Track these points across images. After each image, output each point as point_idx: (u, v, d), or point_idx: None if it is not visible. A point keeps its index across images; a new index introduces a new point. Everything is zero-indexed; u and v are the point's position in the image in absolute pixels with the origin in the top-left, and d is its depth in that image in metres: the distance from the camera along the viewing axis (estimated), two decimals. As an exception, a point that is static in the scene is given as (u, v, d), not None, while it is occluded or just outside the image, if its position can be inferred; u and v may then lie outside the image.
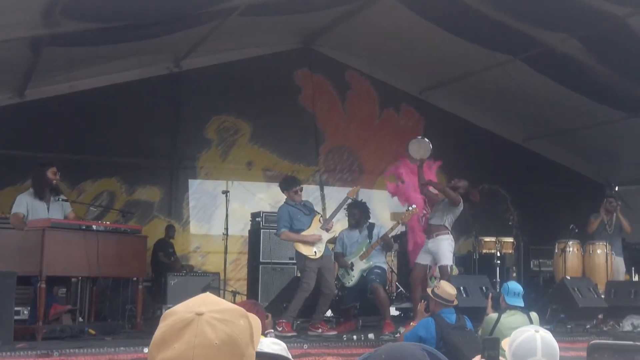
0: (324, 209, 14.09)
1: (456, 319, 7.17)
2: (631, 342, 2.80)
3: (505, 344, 3.09)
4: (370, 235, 9.74)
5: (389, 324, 9.19)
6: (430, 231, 9.63)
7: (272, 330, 5.96)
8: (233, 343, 1.63)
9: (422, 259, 9.62)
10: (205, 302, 1.70)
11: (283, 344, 3.33)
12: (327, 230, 9.15)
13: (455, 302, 7.42)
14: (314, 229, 9.10)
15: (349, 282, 9.62)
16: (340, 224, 10.16)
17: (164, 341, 1.64)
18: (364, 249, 9.62)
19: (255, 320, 1.78)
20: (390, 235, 9.79)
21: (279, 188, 9.66)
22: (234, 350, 1.63)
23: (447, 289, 7.33)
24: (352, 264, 9.62)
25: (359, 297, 9.82)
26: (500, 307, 7.72)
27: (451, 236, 9.61)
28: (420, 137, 10.25)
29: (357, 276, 9.58)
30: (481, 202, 11.00)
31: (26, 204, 8.44)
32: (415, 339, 6.96)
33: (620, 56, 11.20)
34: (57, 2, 8.46)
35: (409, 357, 2.47)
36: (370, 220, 10.04)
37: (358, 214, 9.86)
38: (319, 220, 9.22)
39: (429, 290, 7.54)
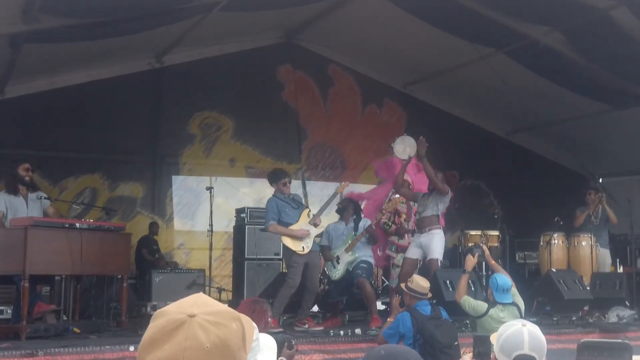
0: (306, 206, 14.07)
1: (431, 311, 7.23)
2: (619, 340, 2.83)
3: (493, 338, 3.09)
4: (356, 229, 9.73)
5: (376, 318, 9.18)
6: (423, 225, 9.48)
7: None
8: (224, 347, 1.59)
9: (412, 253, 9.57)
10: (198, 303, 1.66)
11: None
12: (316, 225, 9.11)
13: (429, 295, 7.46)
14: (302, 223, 9.05)
15: (334, 276, 9.64)
16: (328, 218, 10.13)
17: (154, 342, 1.59)
18: (349, 242, 9.61)
19: (248, 323, 1.74)
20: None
21: (263, 183, 9.65)
22: (225, 354, 1.59)
23: (421, 282, 7.38)
24: (337, 257, 9.61)
25: (346, 291, 9.82)
26: (488, 300, 7.73)
27: (442, 231, 9.58)
28: (401, 136, 10.09)
29: (342, 269, 9.59)
30: (464, 197, 11.02)
31: (4, 202, 8.38)
32: (395, 334, 7.00)
33: (603, 49, 11.22)
34: (37, -2, 8.39)
35: (405, 353, 2.47)
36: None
37: (347, 203, 9.85)
38: (307, 215, 9.18)
39: (402, 285, 7.58)
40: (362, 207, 10.69)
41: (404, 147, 9.76)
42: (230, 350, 1.60)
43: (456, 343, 6.99)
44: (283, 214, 9.05)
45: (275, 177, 9.33)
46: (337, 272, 9.61)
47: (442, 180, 9.51)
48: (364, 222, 9.85)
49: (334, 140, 14.72)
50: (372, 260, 9.94)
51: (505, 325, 3.04)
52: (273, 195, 9.29)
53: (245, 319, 1.73)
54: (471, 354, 2.96)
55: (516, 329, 2.97)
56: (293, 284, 8.92)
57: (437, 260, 9.33)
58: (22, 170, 8.58)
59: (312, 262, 9.10)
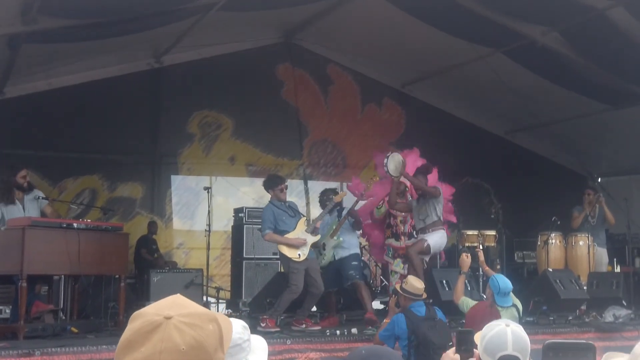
0: (307, 203, 14.09)
1: (426, 311, 7.24)
2: (583, 341, 2.88)
3: (477, 337, 3.11)
4: (339, 216, 9.78)
5: (370, 314, 9.28)
6: (425, 229, 9.57)
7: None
8: (200, 348, 1.61)
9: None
10: (175, 305, 1.68)
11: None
12: (315, 230, 9.11)
13: (424, 296, 7.47)
14: (299, 231, 9.03)
15: (322, 262, 9.67)
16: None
17: (130, 344, 1.62)
18: (333, 227, 9.65)
19: (226, 324, 1.76)
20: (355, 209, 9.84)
21: (263, 187, 9.64)
22: (201, 356, 1.61)
23: (415, 283, 7.41)
24: (323, 245, 9.63)
25: (335, 282, 9.81)
26: (487, 299, 7.73)
27: (444, 231, 9.65)
28: (390, 154, 9.96)
29: (329, 255, 9.66)
30: (464, 195, 11.02)
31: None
32: (391, 336, 7.02)
33: (601, 48, 11.24)
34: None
35: (386, 354, 2.50)
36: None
37: (326, 199, 9.91)
38: (304, 223, 9.18)
39: (397, 287, 7.61)
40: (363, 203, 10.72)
41: (395, 165, 9.71)
42: (206, 351, 1.62)
43: (450, 344, 7.00)
44: (280, 222, 9.02)
45: (272, 183, 9.28)
46: (324, 259, 9.66)
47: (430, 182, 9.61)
48: (347, 210, 9.90)
49: (335, 136, 14.73)
50: (358, 251, 10.03)
51: (489, 325, 3.06)
52: (269, 202, 9.26)
53: (223, 320, 1.75)
54: (454, 348, 2.98)
55: (500, 330, 2.98)
56: (297, 290, 8.91)
57: (426, 242, 9.32)
58: (20, 178, 8.61)
59: (312, 267, 9.09)
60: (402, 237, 10.28)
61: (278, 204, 9.16)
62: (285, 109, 14.28)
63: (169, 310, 1.64)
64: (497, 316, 5.30)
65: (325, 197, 9.95)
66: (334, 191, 10.10)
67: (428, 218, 9.50)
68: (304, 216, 9.61)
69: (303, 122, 14.51)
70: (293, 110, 14.37)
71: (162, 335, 1.59)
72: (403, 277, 10.00)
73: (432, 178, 10.48)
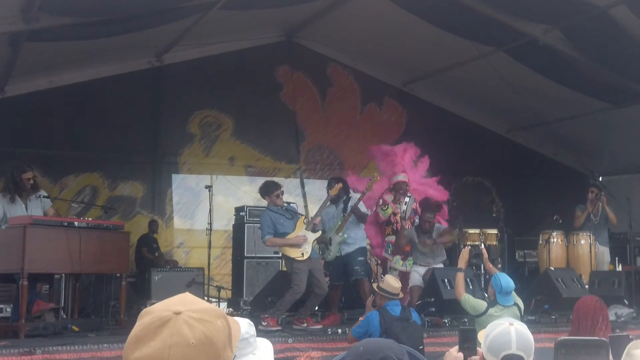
0: (305, 206, 14.04)
1: (401, 311, 7.21)
2: (595, 337, 2.85)
3: (481, 336, 3.08)
4: (345, 209, 9.77)
5: None
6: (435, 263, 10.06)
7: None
8: (210, 343, 1.61)
9: (414, 281, 9.80)
10: (184, 302, 1.68)
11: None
12: (315, 227, 9.11)
13: (401, 295, 7.47)
14: (299, 231, 9.04)
15: (328, 257, 9.71)
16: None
17: (139, 339, 1.62)
18: (339, 223, 9.64)
19: (234, 321, 1.76)
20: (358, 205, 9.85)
21: (263, 181, 9.66)
22: (210, 351, 1.61)
23: (392, 282, 7.40)
24: (330, 239, 9.64)
25: (342, 276, 9.85)
26: (488, 298, 7.72)
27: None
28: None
29: (335, 250, 9.67)
30: (466, 194, 11.01)
31: (2, 207, 8.38)
32: (364, 333, 6.98)
33: (602, 47, 11.22)
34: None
35: (384, 348, 2.45)
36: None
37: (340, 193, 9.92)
38: (303, 222, 9.18)
39: (374, 285, 7.61)
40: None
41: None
42: (215, 347, 1.62)
43: (421, 347, 6.94)
44: (278, 225, 9.04)
45: (268, 190, 9.29)
46: (330, 253, 9.67)
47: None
48: (353, 202, 9.89)
49: (332, 141, 14.68)
50: (365, 244, 10.07)
51: (492, 324, 3.02)
52: (266, 208, 9.30)
53: (231, 318, 1.75)
54: (457, 346, 2.95)
55: (503, 329, 2.95)
56: (299, 290, 8.92)
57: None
58: (25, 180, 8.54)
59: (315, 268, 9.09)
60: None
61: (275, 209, 9.17)
62: (283, 112, 14.25)
63: (178, 306, 1.65)
64: (604, 311, 5.16)
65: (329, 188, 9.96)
66: (340, 179, 10.07)
67: (438, 258, 10.12)
68: (302, 215, 9.62)
69: (300, 126, 14.47)
70: (291, 113, 14.34)
71: (171, 330, 1.60)
72: (402, 274, 10.10)
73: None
